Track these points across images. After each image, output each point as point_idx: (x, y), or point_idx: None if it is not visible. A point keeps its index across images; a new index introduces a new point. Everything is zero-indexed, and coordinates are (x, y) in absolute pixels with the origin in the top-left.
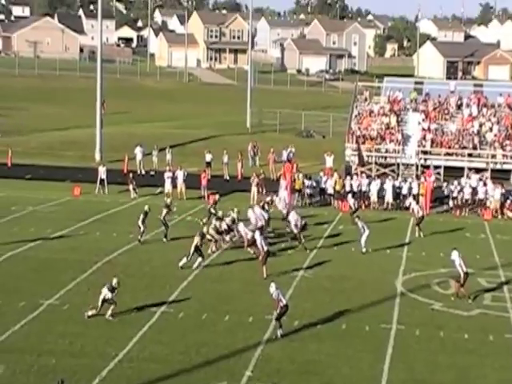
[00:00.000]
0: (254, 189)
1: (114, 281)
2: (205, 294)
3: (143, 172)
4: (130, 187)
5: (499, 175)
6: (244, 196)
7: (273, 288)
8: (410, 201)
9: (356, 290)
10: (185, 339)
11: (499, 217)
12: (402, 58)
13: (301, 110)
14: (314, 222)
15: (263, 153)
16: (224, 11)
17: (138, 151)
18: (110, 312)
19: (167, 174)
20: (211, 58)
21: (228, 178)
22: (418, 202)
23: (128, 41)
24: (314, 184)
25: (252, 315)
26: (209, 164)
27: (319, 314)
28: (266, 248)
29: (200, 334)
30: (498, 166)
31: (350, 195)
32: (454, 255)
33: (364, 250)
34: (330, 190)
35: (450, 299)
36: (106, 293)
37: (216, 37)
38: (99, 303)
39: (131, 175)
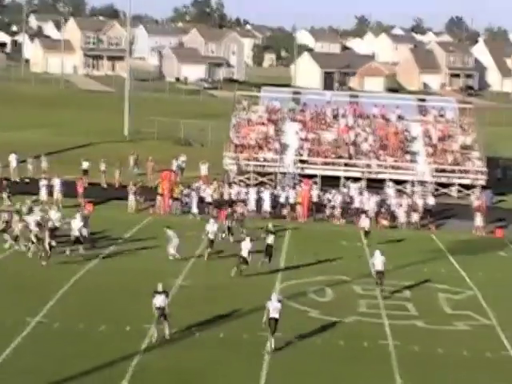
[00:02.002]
0: (131, 197)
1: None
2: (81, 304)
3: (17, 179)
4: (4, 195)
5: (374, 184)
6: (121, 204)
7: None
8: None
9: (233, 298)
10: (60, 349)
11: (374, 225)
12: (280, 68)
13: (179, 118)
14: (192, 231)
15: (142, 161)
16: (102, 18)
17: (13, 158)
18: None
19: (42, 182)
20: (88, 65)
21: (105, 185)
22: (295, 211)
23: (1, 46)
24: (189, 192)
25: (129, 324)
26: (86, 172)
27: (197, 322)
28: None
29: (76, 344)
30: (373, 176)
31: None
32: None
33: (171, 257)
34: (208, 199)
35: (326, 307)
36: None
37: (94, 43)
38: None
39: (5, 183)
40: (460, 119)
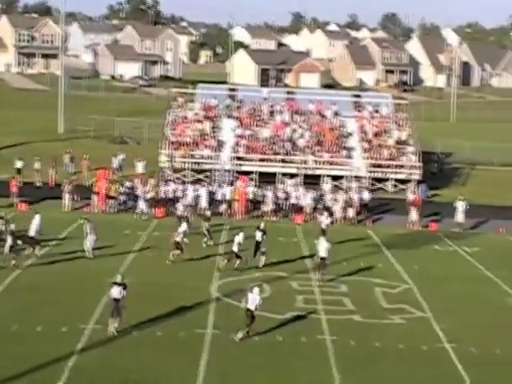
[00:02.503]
0: (66, 196)
1: None
2: (15, 305)
3: None
4: None
5: (311, 180)
6: (56, 203)
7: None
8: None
9: (171, 296)
10: None
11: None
12: (216, 65)
13: (115, 116)
14: (130, 229)
15: (77, 160)
16: (34, 15)
17: None
18: None
19: None
20: (22, 63)
21: (40, 184)
22: (230, 208)
23: None
24: (128, 190)
25: (66, 325)
26: (19, 171)
27: (134, 321)
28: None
29: (10, 346)
30: (309, 172)
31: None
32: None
33: (88, 254)
34: (144, 196)
35: (263, 303)
36: None
37: (27, 41)
38: None
39: None
40: (395, 115)
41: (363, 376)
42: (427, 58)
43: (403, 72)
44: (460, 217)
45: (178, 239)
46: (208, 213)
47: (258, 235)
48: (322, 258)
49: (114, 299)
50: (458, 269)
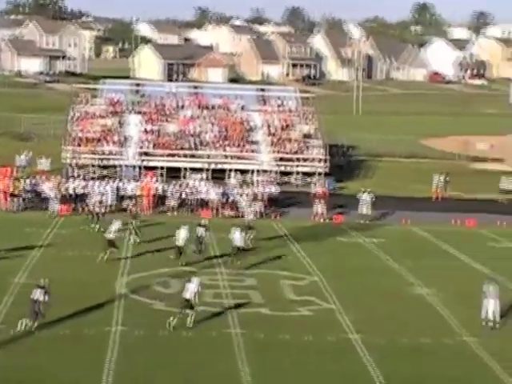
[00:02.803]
0: None
1: None
2: None
3: None
4: None
5: (218, 175)
6: None
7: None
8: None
9: (77, 293)
10: None
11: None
12: (122, 60)
13: (19, 112)
14: (34, 227)
15: None
16: None
17: None
18: None
19: None
20: None
21: None
22: (137, 203)
23: None
24: (31, 188)
25: None
26: None
27: (41, 319)
28: None
29: None
30: (217, 166)
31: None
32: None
33: None
34: (49, 194)
35: (171, 298)
36: None
37: None
38: None
39: None
40: (301, 108)
41: (271, 368)
42: (332, 52)
43: (308, 66)
44: (365, 208)
45: (112, 237)
46: (135, 210)
47: (201, 231)
48: (238, 248)
49: (33, 300)
50: (363, 260)
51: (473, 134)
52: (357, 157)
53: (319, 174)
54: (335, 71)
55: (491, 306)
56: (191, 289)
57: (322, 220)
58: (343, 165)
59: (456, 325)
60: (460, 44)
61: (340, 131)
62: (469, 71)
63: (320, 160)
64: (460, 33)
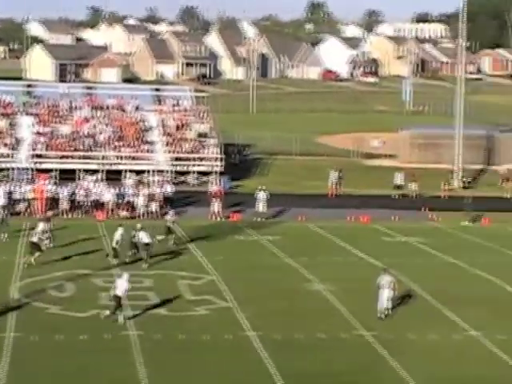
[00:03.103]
0: None
1: None
2: None
3: None
4: None
5: (114, 176)
6: None
7: None
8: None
9: None
10: None
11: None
12: (13, 61)
13: None
14: None
15: None
16: None
17: None
18: None
19: None
20: None
21: None
22: (31, 207)
23: None
24: None
25: None
26: None
27: None
28: None
29: None
30: (112, 167)
31: None
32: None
33: None
34: None
35: (66, 302)
36: None
37: None
38: None
39: None
40: (196, 107)
41: (169, 369)
42: (227, 51)
43: (203, 65)
44: (261, 206)
45: (35, 240)
46: (49, 213)
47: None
48: (147, 244)
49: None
50: (260, 258)
51: (366, 131)
52: (252, 155)
53: (215, 172)
54: (230, 70)
55: (385, 295)
56: (122, 286)
57: (218, 219)
58: (239, 163)
59: (352, 319)
60: (353, 42)
61: (235, 130)
62: (361, 69)
63: (216, 159)
64: (353, 31)
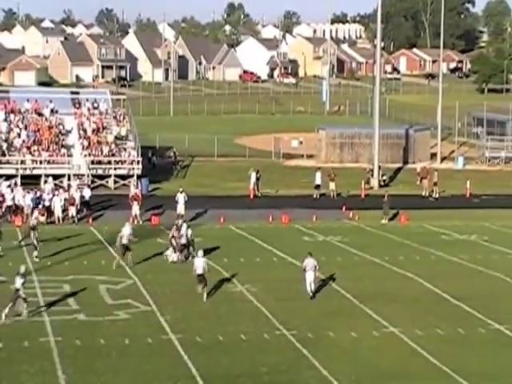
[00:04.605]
0: None
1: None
2: None
3: None
4: None
5: (31, 180)
6: None
7: None
8: None
9: None
10: None
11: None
12: None
13: None
14: None
15: None
16: None
17: None
18: None
19: None
20: None
21: None
22: None
23: None
24: None
25: None
26: None
27: None
28: None
29: None
30: (28, 172)
31: None
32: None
33: None
34: None
35: None
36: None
37: None
38: None
39: None
40: (114, 110)
41: (89, 374)
42: (144, 54)
43: (121, 67)
44: (181, 208)
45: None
46: (34, 221)
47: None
48: (124, 245)
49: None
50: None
51: (285, 132)
52: (172, 157)
53: (134, 175)
54: (149, 72)
55: (309, 278)
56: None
57: (138, 222)
58: (156, 166)
59: (274, 319)
60: (271, 43)
61: (154, 132)
62: (280, 70)
63: (134, 162)
64: (271, 32)
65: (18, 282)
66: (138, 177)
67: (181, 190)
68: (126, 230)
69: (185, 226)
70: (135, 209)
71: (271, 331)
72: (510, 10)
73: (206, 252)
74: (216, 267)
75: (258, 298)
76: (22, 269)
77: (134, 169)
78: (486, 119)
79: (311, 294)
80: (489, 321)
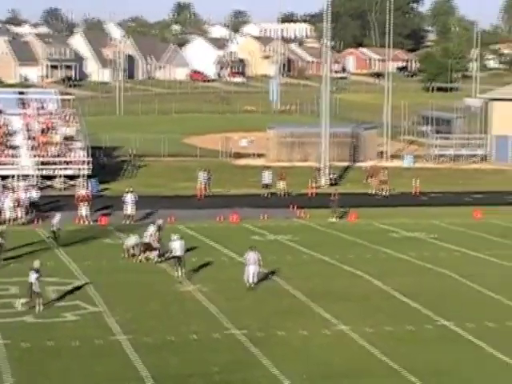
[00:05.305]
0: None
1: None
2: None
3: None
4: None
5: None
6: None
7: None
8: None
9: None
10: None
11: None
12: None
13: None
14: None
15: None
16: None
17: None
18: None
19: None
20: None
21: None
22: None
23: None
24: None
25: None
26: None
27: None
28: None
29: None
30: None
31: None
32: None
33: None
34: None
35: None
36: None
37: None
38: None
39: None
40: (61, 110)
41: (39, 377)
42: (92, 53)
43: (68, 67)
44: (130, 209)
45: None
46: (4, 227)
47: None
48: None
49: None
50: (130, 261)
51: (234, 131)
52: (120, 157)
53: (82, 176)
54: (96, 72)
55: (251, 271)
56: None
57: (86, 223)
58: (107, 166)
59: (223, 319)
60: (220, 43)
61: (103, 132)
62: (229, 69)
63: (82, 162)
64: (219, 32)
65: (32, 276)
66: (87, 177)
67: (130, 189)
68: (131, 241)
69: (153, 227)
70: (82, 209)
71: (222, 331)
72: (456, 10)
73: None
74: (164, 267)
75: (208, 298)
76: (36, 264)
77: (82, 169)
78: (433, 117)
79: (249, 284)
80: (437, 317)
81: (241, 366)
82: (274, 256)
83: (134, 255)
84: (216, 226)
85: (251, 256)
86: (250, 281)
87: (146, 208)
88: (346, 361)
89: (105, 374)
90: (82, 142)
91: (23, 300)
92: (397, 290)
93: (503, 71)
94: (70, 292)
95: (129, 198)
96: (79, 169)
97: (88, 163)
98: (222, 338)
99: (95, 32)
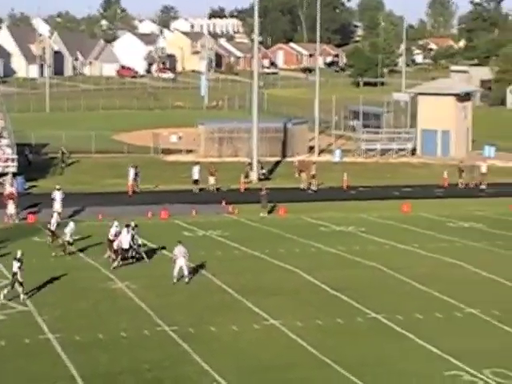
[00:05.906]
0: None
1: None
2: None
3: None
4: None
5: None
6: None
7: None
8: None
9: None
10: None
11: None
12: None
13: None
14: None
15: None
16: None
17: None
18: None
19: None
20: None
21: None
22: None
23: None
24: None
25: None
26: None
27: None
28: None
29: None
30: None
31: None
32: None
33: None
34: None
35: None
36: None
37: None
38: None
39: None
40: None
41: None
42: (18, 49)
43: None
44: (58, 206)
45: None
46: None
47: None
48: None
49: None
50: (59, 258)
51: (164, 127)
52: (48, 154)
53: (9, 173)
54: (23, 68)
55: (180, 263)
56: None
57: (14, 221)
58: (32, 163)
59: (154, 316)
60: (149, 38)
61: (30, 129)
62: (158, 65)
63: (9, 159)
64: (148, 27)
65: (15, 265)
66: (14, 174)
67: (58, 187)
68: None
69: (125, 230)
70: (10, 208)
71: (152, 327)
72: (384, 5)
73: (87, 250)
74: (95, 264)
75: (138, 295)
76: (19, 253)
77: (9, 166)
78: (362, 112)
79: (178, 278)
80: (366, 310)
81: (172, 362)
82: (204, 251)
83: (70, 243)
84: (146, 223)
85: (179, 250)
86: (184, 273)
87: (74, 205)
88: (276, 355)
89: (34, 373)
90: (8, 138)
91: (5, 291)
92: (326, 284)
93: (428, 66)
94: None
95: (57, 196)
96: (5, 166)
97: (15, 160)
98: (152, 335)
99: (22, 28)
